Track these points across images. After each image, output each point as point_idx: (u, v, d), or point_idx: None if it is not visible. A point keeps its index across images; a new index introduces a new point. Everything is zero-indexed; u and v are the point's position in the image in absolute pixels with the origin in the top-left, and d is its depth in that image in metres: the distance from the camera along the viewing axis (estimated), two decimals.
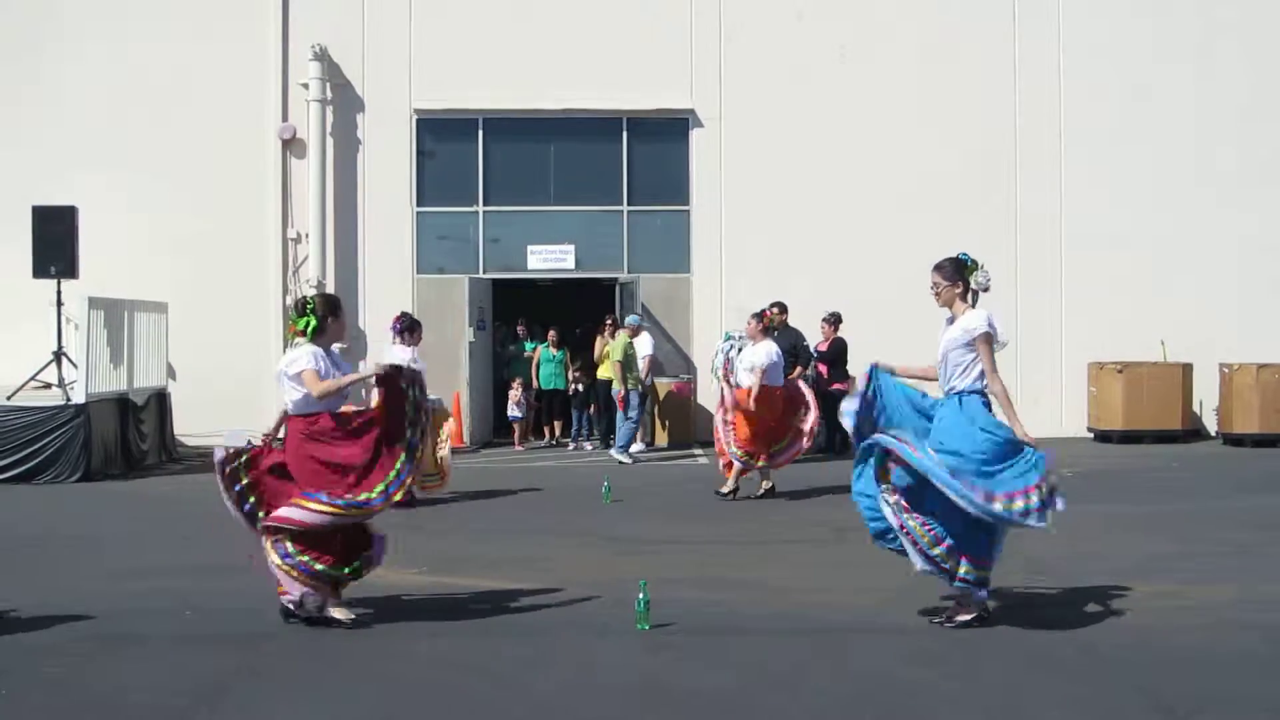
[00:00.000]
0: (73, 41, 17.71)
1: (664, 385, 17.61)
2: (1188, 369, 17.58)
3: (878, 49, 18.10)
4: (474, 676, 6.16)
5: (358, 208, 18.01)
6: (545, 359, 17.78)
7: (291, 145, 17.89)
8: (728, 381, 12.57)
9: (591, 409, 17.77)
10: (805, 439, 12.46)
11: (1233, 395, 17.13)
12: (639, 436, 16.82)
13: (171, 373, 16.70)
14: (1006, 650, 6.49)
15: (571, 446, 17.54)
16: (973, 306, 7.01)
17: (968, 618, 6.88)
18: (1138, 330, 17.62)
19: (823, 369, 16.02)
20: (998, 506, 6.60)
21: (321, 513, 6.76)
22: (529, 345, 18.22)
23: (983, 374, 6.87)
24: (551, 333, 17.90)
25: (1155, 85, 18.10)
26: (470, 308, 17.78)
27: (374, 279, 17.92)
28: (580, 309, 19.94)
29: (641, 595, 6.89)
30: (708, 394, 16.34)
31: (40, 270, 14.61)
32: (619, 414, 16.01)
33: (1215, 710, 5.57)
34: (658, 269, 18.17)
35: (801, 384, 13.14)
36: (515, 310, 19.22)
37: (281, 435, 7.20)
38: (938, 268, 7.09)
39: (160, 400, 16.11)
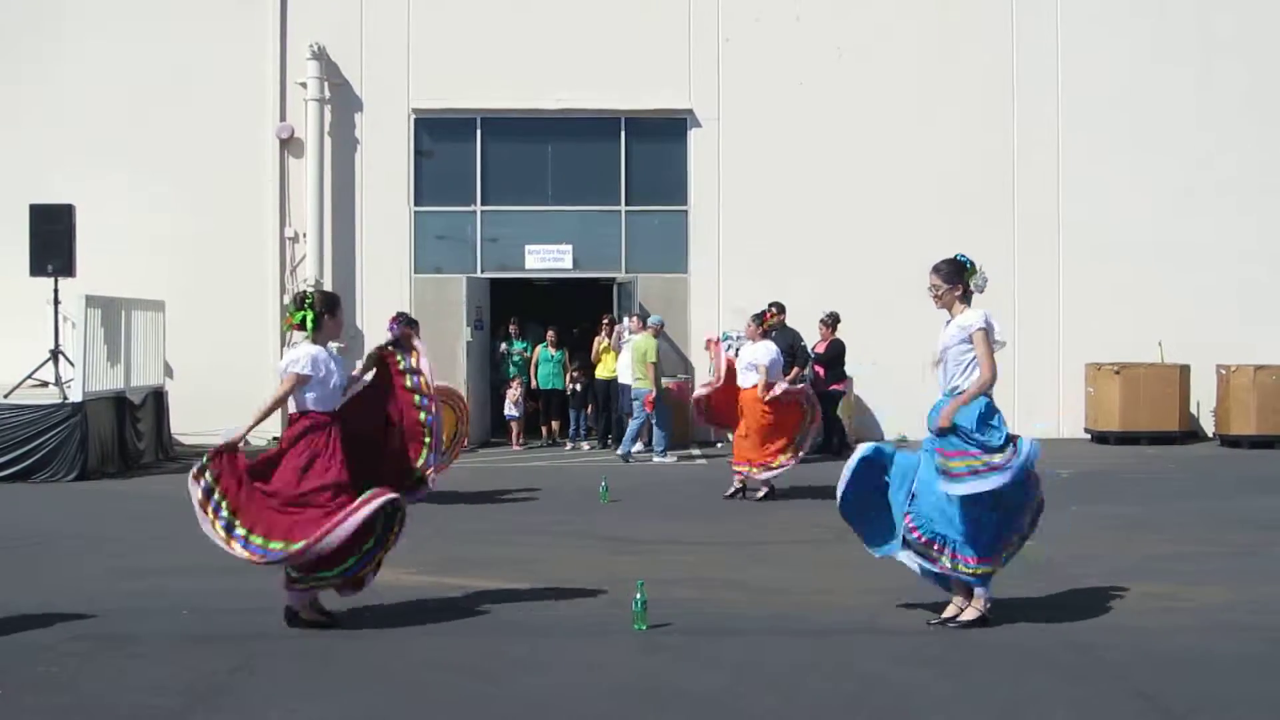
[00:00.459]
0: (71, 41, 17.70)
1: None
2: (1185, 370, 17.58)
3: (875, 50, 18.10)
4: (470, 677, 6.15)
5: (355, 207, 18.00)
6: (544, 358, 17.77)
7: (289, 144, 17.88)
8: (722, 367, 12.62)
9: (589, 409, 17.77)
10: (803, 449, 12.47)
11: (1230, 397, 17.13)
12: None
13: (169, 371, 16.70)
14: (1004, 651, 6.49)
15: (569, 446, 17.54)
16: (968, 307, 6.99)
17: (971, 618, 6.88)
18: (1135, 331, 17.62)
19: (820, 370, 16.02)
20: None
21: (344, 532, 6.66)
22: (518, 344, 18.11)
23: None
24: (550, 332, 17.89)
25: (1153, 87, 18.11)
26: (468, 307, 17.78)
27: (371, 278, 17.91)
28: (578, 309, 19.93)
29: (639, 595, 6.88)
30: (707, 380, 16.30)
31: (37, 269, 14.59)
32: (654, 417, 15.77)
33: (1212, 711, 5.57)
34: (655, 269, 18.16)
35: (804, 387, 13.13)
36: (514, 310, 19.19)
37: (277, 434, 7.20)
38: (936, 270, 7.07)
39: (157, 399, 16.10)
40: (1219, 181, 17.97)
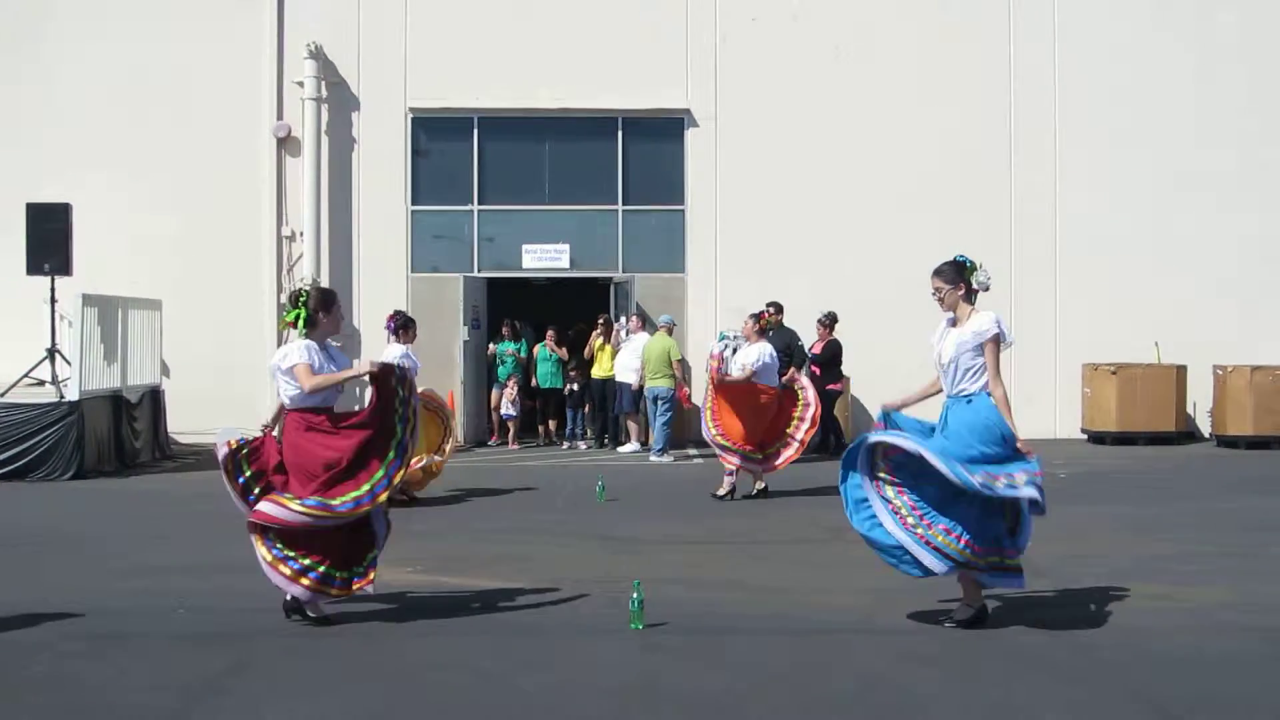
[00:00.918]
0: (69, 40, 17.70)
1: None
2: (1182, 371, 17.60)
3: (873, 49, 18.12)
4: (467, 676, 6.14)
5: (352, 206, 18.00)
6: (543, 358, 17.76)
7: (286, 143, 17.87)
8: (714, 378, 12.56)
9: (586, 408, 17.77)
10: (800, 442, 12.44)
11: (1226, 397, 17.15)
12: (634, 435, 16.83)
13: (165, 370, 16.69)
14: (1002, 651, 6.49)
15: (566, 446, 17.53)
16: (974, 307, 7.00)
17: (966, 616, 6.87)
18: (1132, 332, 17.64)
19: (816, 370, 16.01)
20: (998, 485, 6.61)
21: (299, 513, 6.71)
22: (505, 345, 17.94)
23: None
24: (551, 332, 17.87)
25: (1151, 85, 18.13)
26: (465, 306, 17.77)
27: (368, 277, 17.91)
28: (575, 308, 19.93)
29: (635, 595, 6.88)
30: (703, 394, 16.30)
31: (34, 267, 14.58)
32: (661, 416, 15.83)
33: (1211, 712, 5.56)
34: (653, 268, 18.16)
35: (803, 378, 13.07)
36: (513, 310, 19.17)
37: (277, 433, 7.19)
38: (938, 272, 7.07)
39: (154, 398, 16.09)
40: (1216, 181, 17.98)
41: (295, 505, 6.73)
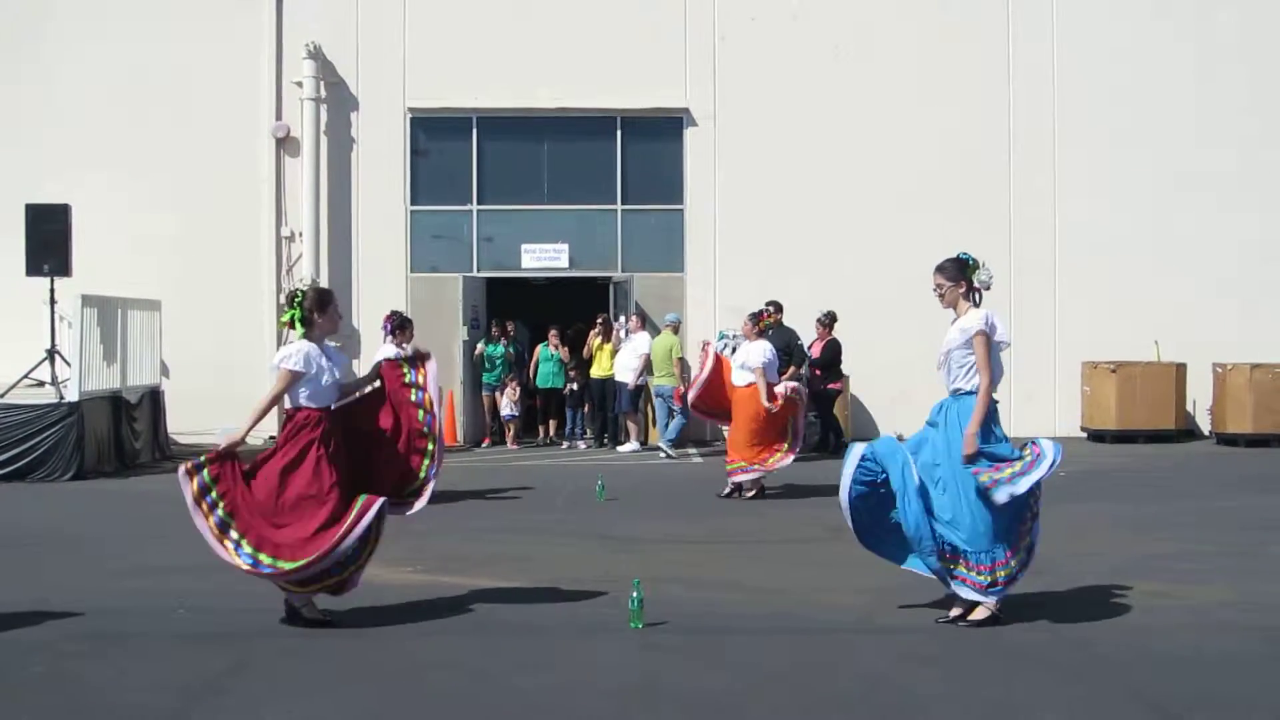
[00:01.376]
0: (68, 41, 17.69)
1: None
2: (1181, 369, 17.60)
3: (873, 49, 18.12)
4: (467, 676, 6.14)
5: (351, 206, 17.99)
6: (544, 358, 17.75)
7: (285, 143, 17.87)
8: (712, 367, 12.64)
9: (586, 408, 17.76)
10: (797, 443, 12.44)
11: (1226, 395, 17.15)
12: (634, 435, 16.83)
13: (165, 371, 16.68)
14: (1002, 650, 6.49)
15: (565, 445, 17.53)
16: (976, 306, 6.99)
17: (982, 617, 6.86)
18: (1131, 330, 17.64)
19: (817, 371, 16.01)
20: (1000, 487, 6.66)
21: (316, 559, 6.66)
22: (495, 349, 17.66)
23: None
24: (553, 332, 17.85)
25: (1151, 85, 18.13)
26: (464, 306, 17.77)
27: (368, 277, 17.90)
28: (574, 308, 19.91)
29: (635, 594, 6.88)
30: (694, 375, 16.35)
31: (34, 268, 14.57)
32: (674, 409, 16.14)
33: (1211, 711, 5.56)
34: (652, 268, 18.16)
35: (795, 385, 13.09)
36: (512, 310, 19.16)
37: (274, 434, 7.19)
38: (939, 269, 7.06)
39: (154, 398, 16.08)
40: (1215, 181, 17.97)
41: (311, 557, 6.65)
